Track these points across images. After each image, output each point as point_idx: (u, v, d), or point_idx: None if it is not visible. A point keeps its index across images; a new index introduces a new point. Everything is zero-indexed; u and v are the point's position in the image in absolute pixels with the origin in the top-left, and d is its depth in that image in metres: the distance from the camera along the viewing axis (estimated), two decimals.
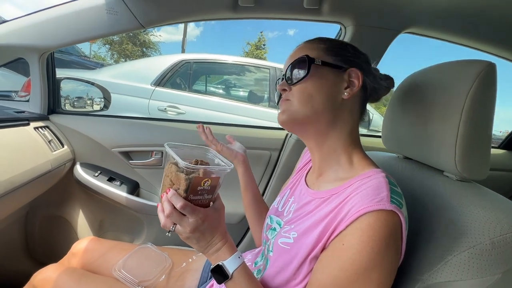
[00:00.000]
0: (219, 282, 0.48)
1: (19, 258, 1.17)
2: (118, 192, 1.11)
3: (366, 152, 0.75)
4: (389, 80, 0.60)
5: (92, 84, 1.37)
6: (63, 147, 1.05)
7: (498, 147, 1.70)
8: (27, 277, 0.75)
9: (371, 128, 2.92)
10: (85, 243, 0.82)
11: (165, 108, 2.54)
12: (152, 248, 0.84)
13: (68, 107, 1.28)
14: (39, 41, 0.93)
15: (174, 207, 0.44)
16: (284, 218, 0.59)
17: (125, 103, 2.45)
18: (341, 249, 0.43)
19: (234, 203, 1.07)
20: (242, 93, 3.31)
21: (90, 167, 1.14)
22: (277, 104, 0.61)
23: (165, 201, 0.44)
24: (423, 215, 0.53)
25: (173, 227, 0.45)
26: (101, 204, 1.18)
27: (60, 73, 1.14)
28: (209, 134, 0.78)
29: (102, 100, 1.35)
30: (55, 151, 0.98)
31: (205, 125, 0.80)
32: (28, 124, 0.94)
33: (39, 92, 1.05)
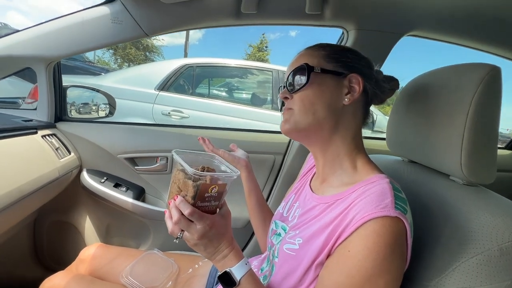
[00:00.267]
0: None
1: (28, 264, 1.19)
2: (124, 198, 1.12)
3: (371, 156, 0.76)
4: (393, 82, 0.60)
5: (98, 91, 1.39)
6: (70, 154, 1.06)
7: (505, 148, 1.67)
8: (35, 283, 0.76)
9: (375, 129, 2.90)
10: (92, 249, 0.83)
11: (169, 113, 2.55)
12: (159, 254, 0.85)
13: (74, 114, 1.29)
14: (46, 51, 0.95)
15: (182, 214, 0.44)
16: (289, 223, 0.60)
17: (129, 108, 2.48)
18: (347, 255, 0.43)
19: (239, 208, 1.08)
20: (245, 95, 3.32)
21: (97, 173, 1.15)
22: (280, 111, 0.61)
23: (173, 208, 0.45)
24: (429, 220, 0.53)
25: (180, 233, 0.46)
26: (107, 210, 1.19)
27: (65, 79, 1.16)
28: (209, 144, 0.79)
29: (107, 106, 1.36)
30: (62, 158, 0.99)
31: (205, 136, 0.81)
32: (36, 133, 0.96)
33: (46, 101, 1.07)
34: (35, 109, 1.10)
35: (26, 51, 0.95)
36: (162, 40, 15.72)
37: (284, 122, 0.56)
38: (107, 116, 1.34)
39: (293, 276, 0.51)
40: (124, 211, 1.15)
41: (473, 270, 0.42)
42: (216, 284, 0.75)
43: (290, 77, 0.56)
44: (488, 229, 0.44)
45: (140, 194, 1.18)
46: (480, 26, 0.93)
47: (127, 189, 1.16)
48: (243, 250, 1.22)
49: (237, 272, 0.47)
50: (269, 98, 2.98)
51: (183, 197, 0.45)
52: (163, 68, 2.75)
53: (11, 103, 1.42)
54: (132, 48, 14.78)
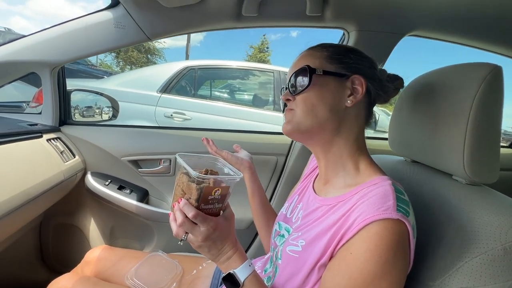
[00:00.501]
0: None
1: (34, 266, 1.20)
2: (128, 200, 1.13)
3: (374, 156, 0.76)
4: (398, 81, 0.59)
5: (101, 94, 1.40)
6: (74, 157, 1.08)
7: (509, 147, 1.66)
8: (41, 285, 0.77)
9: (377, 129, 2.89)
10: (97, 252, 0.84)
11: (171, 115, 2.57)
12: (163, 256, 0.85)
13: (77, 117, 1.31)
14: (51, 56, 0.96)
15: (186, 216, 0.45)
16: (293, 225, 0.60)
17: (132, 110, 2.50)
18: (349, 258, 0.43)
19: (243, 209, 1.08)
20: (247, 97, 3.33)
21: (101, 176, 1.16)
22: (283, 113, 0.61)
23: (177, 211, 0.45)
24: (433, 220, 0.53)
25: (185, 236, 0.47)
26: (112, 212, 1.20)
27: (68, 82, 1.17)
28: (212, 146, 0.79)
29: (111, 109, 1.37)
30: (67, 161, 1.01)
31: (208, 138, 0.81)
32: (41, 137, 0.97)
33: (51, 105, 1.08)
34: (40, 113, 1.11)
35: (32, 57, 0.96)
36: (164, 42, 15.80)
37: (286, 123, 0.56)
38: (110, 119, 1.35)
39: (297, 278, 0.51)
40: (128, 213, 1.16)
41: (477, 270, 0.42)
42: (220, 286, 0.76)
43: (292, 78, 0.55)
44: (492, 228, 0.44)
45: (143, 196, 1.19)
46: (481, 25, 0.93)
47: (131, 191, 1.17)
48: (246, 251, 1.22)
49: (241, 273, 0.48)
50: (270, 99, 2.98)
51: (187, 199, 0.45)
52: (165, 70, 2.77)
53: (16, 107, 1.44)
54: (134, 51, 14.87)
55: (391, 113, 0.73)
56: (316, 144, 0.58)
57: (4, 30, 5.68)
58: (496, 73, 0.49)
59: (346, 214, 0.47)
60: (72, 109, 1.23)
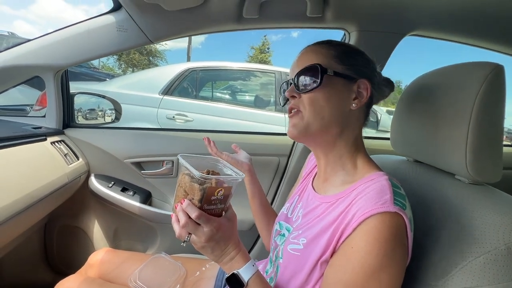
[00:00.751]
0: None
1: (38, 268, 1.21)
2: (131, 202, 1.14)
3: (376, 156, 0.76)
4: (391, 85, 0.61)
5: (103, 97, 1.41)
6: (78, 160, 1.09)
7: None
8: (46, 287, 0.78)
9: (379, 128, 2.89)
10: (101, 254, 0.84)
11: (173, 116, 2.58)
12: (166, 258, 0.86)
13: (81, 119, 1.32)
14: (54, 60, 0.98)
15: (189, 217, 0.45)
16: (293, 224, 0.60)
17: (134, 113, 2.51)
18: (350, 252, 0.44)
19: (245, 210, 1.08)
20: (248, 97, 3.33)
21: (104, 178, 1.17)
22: (283, 106, 0.61)
23: (179, 211, 0.45)
24: (436, 220, 0.52)
25: (188, 237, 0.46)
26: (115, 214, 1.21)
27: (71, 85, 1.18)
28: (213, 147, 0.79)
29: (113, 111, 1.38)
30: (71, 164, 1.02)
31: (210, 138, 0.81)
32: (45, 139, 0.98)
33: (54, 108, 1.09)
34: (44, 116, 1.12)
35: (35, 61, 0.97)
36: (165, 44, 15.90)
37: (293, 127, 0.55)
38: (113, 121, 1.36)
39: (299, 276, 0.51)
40: (131, 215, 1.17)
41: (481, 269, 0.42)
42: (224, 287, 0.76)
43: (298, 74, 0.54)
44: (495, 227, 0.44)
45: (147, 198, 1.20)
46: (482, 23, 0.93)
47: (134, 193, 1.18)
48: (249, 252, 1.22)
49: (245, 273, 0.48)
50: (272, 99, 2.99)
51: (190, 200, 0.46)
52: (166, 72, 2.78)
53: (20, 110, 1.45)
54: (136, 53, 14.97)
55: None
56: (318, 146, 0.58)
57: (7, 34, 5.74)
58: (497, 72, 0.49)
59: (346, 210, 0.47)
60: (75, 112, 1.24)
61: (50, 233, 1.21)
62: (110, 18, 0.93)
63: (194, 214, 0.44)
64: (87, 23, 0.94)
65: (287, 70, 2.88)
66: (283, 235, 0.61)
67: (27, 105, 1.46)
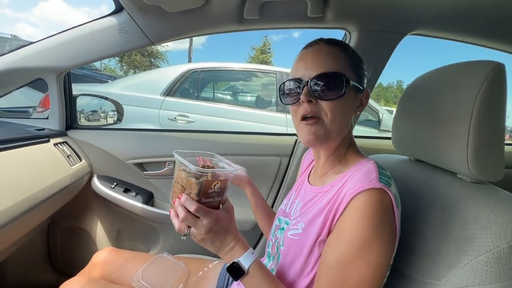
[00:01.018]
0: (236, 279, 0.50)
1: (41, 269, 1.22)
2: (133, 202, 1.14)
3: (377, 156, 0.77)
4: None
5: (105, 98, 1.42)
6: (81, 161, 1.09)
7: None
8: (49, 287, 0.78)
9: (381, 128, 2.88)
10: (104, 254, 0.85)
11: (175, 117, 2.59)
12: (169, 258, 0.86)
13: (83, 121, 1.33)
14: (57, 62, 0.98)
15: (188, 211, 0.46)
16: (291, 217, 0.62)
17: (136, 114, 2.52)
18: (343, 228, 0.47)
19: (246, 210, 1.08)
20: (250, 98, 3.34)
21: (107, 179, 1.18)
22: (280, 101, 0.61)
23: (178, 206, 0.47)
24: (438, 219, 0.53)
25: (188, 230, 0.48)
26: (118, 215, 1.21)
27: (73, 87, 1.19)
28: None
29: (115, 113, 1.39)
30: (73, 165, 1.02)
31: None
32: (48, 141, 0.99)
33: (57, 110, 1.10)
34: (47, 118, 1.13)
35: (38, 63, 0.98)
36: (167, 46, 15.94)
37: (313, 135, 0.54)
38: (115, 122, 1.37)
39: (299, 259, 0.54)
40: (134, 216, 1.17)
41: (482, 268, 0.42)
42: (226, 287, 0.76)
43: (317, 79, 0.52)
44: (497, 226, 0.44)
45: (149, 198, 1.21)
46: (483, 22, 0.93)
47: (137, 194, 1.18)
48: None
49: (245, 261, 0.50)
50: (273, 100, 2.99)
51: (187, 195, 0.47)
52: (168, 73, 2.79)
53: (23, 112, 1.47)
54: (137, 55, 15.03)
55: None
56: (324, 148, 0.60)
57: (10, 37, 5.78)
58: (498, 70, 0.49)
59: (338, 192, 0.51)
60: (78, 114, 1.25)
61: (53, 234, 1.22)
62: (112, 20, 0.93)
63: (192, 207, 0.46)
64: (89, 25, 0.95)
65: (288, 71, 2.89)
66: (283, 228, 0.63)
67: (30, 107, 1.48)
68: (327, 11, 0.91)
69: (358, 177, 0.49)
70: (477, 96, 0.49)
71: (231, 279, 0.77)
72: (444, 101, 0.55)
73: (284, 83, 0.59)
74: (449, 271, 0.45)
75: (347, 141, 0.59)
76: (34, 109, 1.45)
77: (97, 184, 1.15)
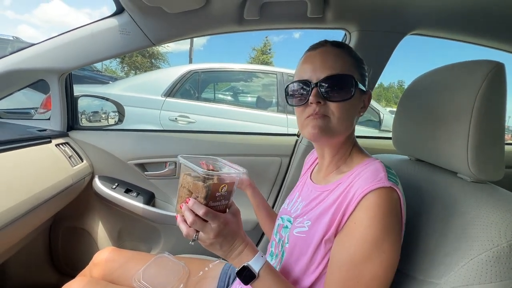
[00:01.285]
0: (246, 283, 0.50)
1: (43, 269, 1.22)
2: (135, 203, 1.15)
3: (378, 155, 0.77)
4: None
5: (107, 99, 1.42)
6: (82, 162, 1.10)
7: None
8: None
9: (382, 128, 2.87)
10: (105, 254, 0.85)
11: (176, 118, 2.60)
12: (169, 258, 0.86)
13: (84, 122, 1.33)
14: (59, 63, 0.99)
15: (196, 215, 0.45)
16: (293, 215, 0.62)
17: (137, 115, 2.53)
18: (354, 227, 0.47)
19: (247, 210, 1.08)
20: (250, 99, 3.34)
21: (108, 179, 1.18)
22: (289, 104, 0.61)
23: (185, 211, 0.46)
24: (438, 218, 0.53)
25: (196, 235, 0.47)
26: (119, 215, 1.22)
27: (74, 88, 1.20)
28: None
29: (116, 114, 1.40)
30: (75, 166, 1.03)
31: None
32: (50, 142, 0.99)
33: (59, 111, 1.11)
34: (49, 119, 1.14)
35: (40, 64, 0.99)
36: (167, 47, 15.99)
37: (318, 128, 0.54)
38: (116, 123, 1.38)
39: (305, 257, 0.54)
40: (135, 216, 1.18)
41: (483, 267, 0.42)
42: (227, 287, 0.76)
43: (328, 81, 0.53)
44: (497, 225, 0.44)
45: (150, 199, 1.21)
46: (483, 21, 0.92)
47: (138, 194, 1.19)
48: None
49: (255, 265, 0.49)
50: (274, 100, 2.99)
51: (195, 198, 0.46)
52: (169, 74, 2.80)
53: (25, 113, 1.47)
54: (138, 56, 15.08)
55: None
56: (329, 147, 0.60)
57: (12, 38, 5.80)
58: (498, 70, 0.49)
59: (345, 191, 0.51)
60: (79, 115, 1.25)
61: (55, 234, 1.22)
62: (113, 21, 0.94)
63: (201, 211, 0.45)
64: (90, 27, 0.95)
65: (289, 71, 2.89)
66: (286, 226, 0.63)
67: (32, 108, 1.48)
68: (327, 12, 0.91)
69: (366, 176, 0.49)
70: (477, 95, 0.49)
71: (231, 279, 0.78)
72: (444, 101, 0.56)
73: (290, 84, 0.59)
74: (449, 270, 0.45)
75: (351, 140, 0.60)
76: (36, 111, 1.46)
77: (99, 185, 1.15)
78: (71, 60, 0.99)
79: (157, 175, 1.22)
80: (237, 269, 0.50)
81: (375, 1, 0.87)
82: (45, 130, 1.08)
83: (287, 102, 0.61)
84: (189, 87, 2.88)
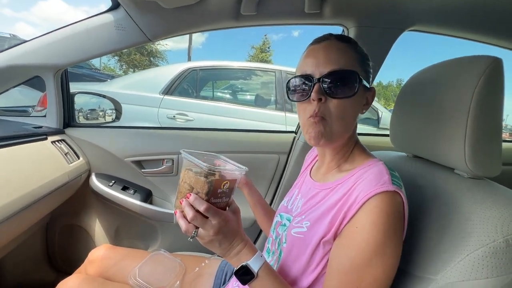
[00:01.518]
0: (244, 283, 0.49)
1: (40, 267, 1.22)
2: (132, 200, 1.14)
3: (376, 152, 0.77)
4: None
5: (104, 96, 1.42)
6: (78, 159, 1.09)
7: None
8: (47, 285, 0.78)
9: (381, 126, 2.87)
10: (101, 251, 0.85)
11: (174, 116, 2.59)
12: (165, 255, 0.86)
13: (82, 120, 1.33)
14: (54, 59, 0.98)
15: (197, 211, 0.44)
16: (293, 213, 0.61)
17: (135, 112, 2.52)
18: (355, 231, 0.46)
19: (245, 207, 1.08)
20: (249, 97, 3.34)
21: (105, 177, 1.18)
22: (290, 100, 0.58)
23: (186, 206, 0.45)
24: (435, 214, 0.52)
25: (195, 232, 0.46)
26: (116, 213, 1.21)
27: (72, 86, 1.19)
28: None
29: (114, 111, 1.39)
30: (71, 163, 1.02)
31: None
32: (46, 139, 0.99)
33: (54, 107, 1.10)
34: (45, 116, 1.13)
35: (35, 60, 0.98)
36: (166, 45, 15.93)
37: (319, 133, 0.52)
38: (113, 121, 1.37)
39: (303, 258, 0.53)
40: (132, 214, 1.17)
41: (479, 263, 0.42)
42: (223, 284, 0.76)
43: (332, 77, 0.50)
44: (494, 221, 0.43)
45: (147, 196, 1.20)
46: (481, 17, 0.92)
47: (135, 191, 1.18)
48: None
49: (254, 264, 0.48)
50: (272, 98, 2.99)
51: (196, 194, 0.45)
52: (167, 72, 2.78)
53: (22, 111, 1.46)
54: (137, 54, 15.01)
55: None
56: (331, 147, 0.59)
57: (9, 36, 5.77)
58: (496, 65, 0.49)
59: (347, 194, 0.49)
60: (76, 112, 1.25)
61: (51, 232, 1.22)
62: (109, 16, 0.93)
63: (202, 207, 0.44)
64: (85, 22, 0.94)
65: (288, 69, 2.89)
66: (284, 224, 0.62)
67: (29, 106, 1.47)
68: (324, 7, 0.91)
69: (370, 179, 0.47)
70: (474, 91, 0.49)
71: (228, 276, 0.77)
72: (441, 97, 0.55)
73: (292, 79, 0.56)
74: (446, 265, 0.45)
75: (353, 139, 0.59)
76: (33, 108, 1.45)
77: (95, 182, 1.14)
78: (66, 56, 0.98)
79: (154, 172, 1.22)
80: (235, 269, 0.49)
81: None
82: (40, 127, 1.07)
83: (288, 97, 0.58)
84: (188, 85, 2.86)
